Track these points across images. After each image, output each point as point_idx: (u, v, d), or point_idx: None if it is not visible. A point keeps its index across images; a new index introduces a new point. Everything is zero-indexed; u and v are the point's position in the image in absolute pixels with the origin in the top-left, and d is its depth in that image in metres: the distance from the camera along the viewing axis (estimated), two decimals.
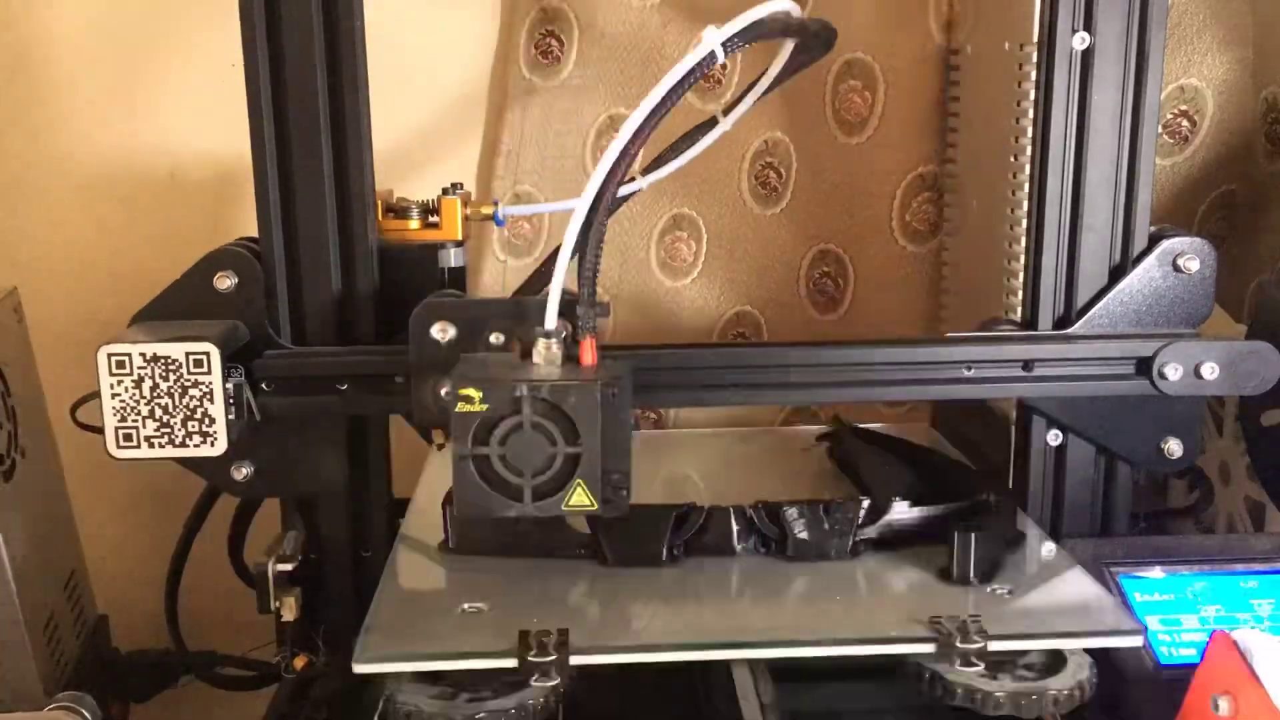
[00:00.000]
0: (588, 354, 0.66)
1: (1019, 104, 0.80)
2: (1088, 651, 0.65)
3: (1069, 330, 0.78)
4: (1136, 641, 0.64)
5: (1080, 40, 0.75)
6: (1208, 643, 0.60)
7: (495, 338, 0.71)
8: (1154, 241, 0.77)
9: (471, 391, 0.62)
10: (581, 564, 0.71)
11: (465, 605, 0.66)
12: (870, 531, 0.72)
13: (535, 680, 0.61)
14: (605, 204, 0.67)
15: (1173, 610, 0.73)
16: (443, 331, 0.71)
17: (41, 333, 0.91)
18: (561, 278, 0.67)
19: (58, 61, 0.99)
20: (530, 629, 0.62)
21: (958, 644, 0.62)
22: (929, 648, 0.62)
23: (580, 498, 0.63)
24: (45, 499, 0.88)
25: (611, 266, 1.02)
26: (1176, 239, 0.77)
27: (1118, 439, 0.79)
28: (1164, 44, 0.76)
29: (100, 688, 0.80)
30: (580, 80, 0.99)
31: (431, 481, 0.84)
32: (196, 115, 1.00)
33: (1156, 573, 0.75)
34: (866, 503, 0.73)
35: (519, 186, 1.01)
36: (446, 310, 0.71)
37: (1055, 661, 0.64)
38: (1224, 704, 0.59)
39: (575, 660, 0.61)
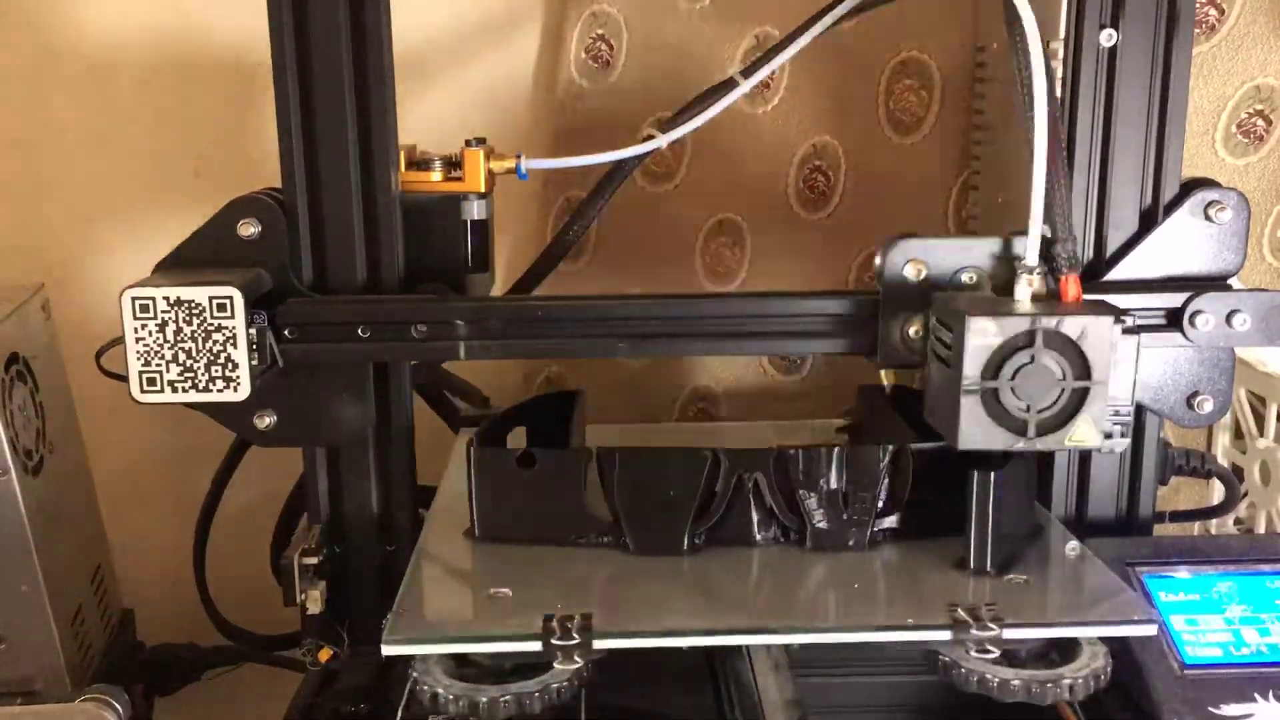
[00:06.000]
0: (1072, 289, 0.71)
1: None
2: (1112, 648, 0.69)
3: (1097, 280, 0.80)
4: (1151, 630, 0.68)
5: (1108, 37, 0.79)
6: None
7: (968, 277, 0.76)
8: (1186, 191, 0.80)
9: (987, 324, 0.68)
10: (604, 552, 0.76)
11: (491, 590, 0.71)
12: (889, 521, 0.77)
13: (559, 663, 0.66)
14: (1059, 142, 0.71)
15: (1198, 610, 0.76)
16: (916, 271, 0.76)
17: (69, 330, 0.98)
18: (1040, 214, 0.71)
19: (85, 61, 1.06)
20: (554, 613, 0.68)
21: (973, 631, 0.67)
22: (945, 635, 0.67)
23: (1084, 432, 0.68)
24: (73, 494, 0.94)
25: (657, 272, 1.08)
26: (1209, 189, 0.80)
27: (1147, 392, 0.81)
28: (1192, 39, 0.79)
29: (126, 681, 0.85)
30: (629, 84, 1.05)
31: (457, 470, 0.88)
32: (220, 122, 1.07)
33: (1182, 573, 0.78)
34: (885, 474, 0.76)
35: (571, 191, 1.06)
36: (920, 250, 0.76)
37: (1071, 650, 0.69)
38: None
39: (598, 644, 0.66)
